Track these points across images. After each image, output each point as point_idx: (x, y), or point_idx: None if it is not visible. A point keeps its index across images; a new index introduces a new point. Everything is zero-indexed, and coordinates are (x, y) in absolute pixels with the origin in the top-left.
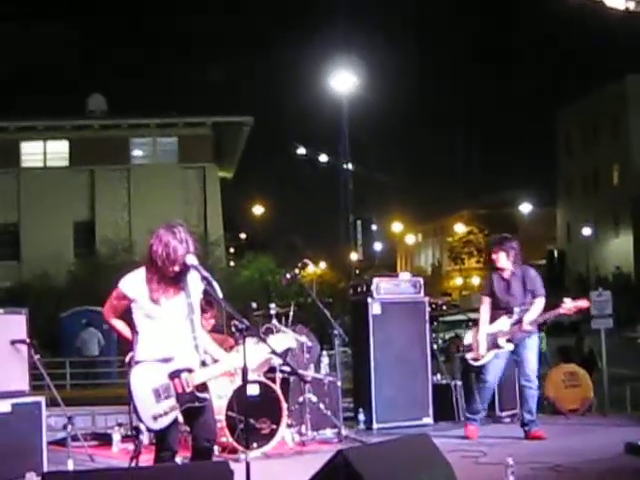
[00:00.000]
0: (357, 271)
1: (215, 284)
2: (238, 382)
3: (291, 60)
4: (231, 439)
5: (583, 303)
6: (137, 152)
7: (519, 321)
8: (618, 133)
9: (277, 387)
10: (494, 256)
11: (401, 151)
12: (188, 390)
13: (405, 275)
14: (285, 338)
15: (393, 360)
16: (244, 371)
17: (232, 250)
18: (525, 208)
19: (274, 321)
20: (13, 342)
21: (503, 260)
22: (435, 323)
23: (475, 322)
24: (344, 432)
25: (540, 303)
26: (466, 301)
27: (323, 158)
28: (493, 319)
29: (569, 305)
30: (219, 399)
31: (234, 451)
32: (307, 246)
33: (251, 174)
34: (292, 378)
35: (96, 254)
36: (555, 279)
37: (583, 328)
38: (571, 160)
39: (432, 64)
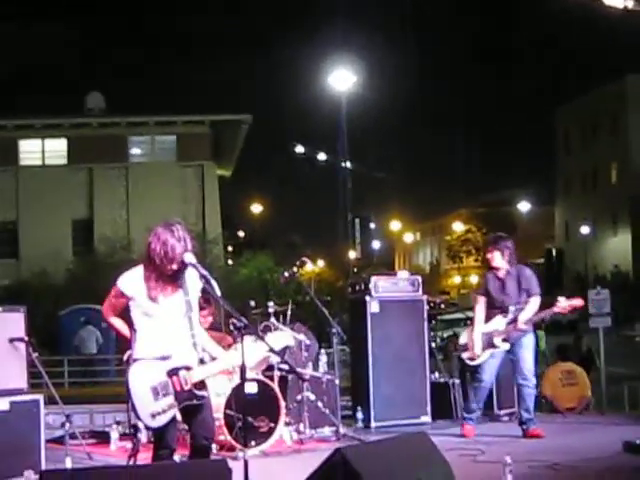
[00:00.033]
0: (355, 269)
1: (213, 282)
2: (236, 380)
3: (290, 59)
4: (229, 437)
5: (577, 302)
6: (135, 150)
7: (514, 320)
8: (617, 132)
9: (275, 385)
10: (489, 255)
11: (400, 150)
12: (186, 388)
13: (403, 273)
14: (283, 336)
15: (391, 358)
16: (242, 369)
17: (230, 248)
18: (523, 207)
19: (272, 319)
20: (11, 340)
21: (498, 259)
22: (433, 321)
23: (472, 321)
24: (342, 430)
25: (535, 302)
26: (464, 299)
27: (322, 157)
28: (488, 318)
29: (564, 304)
30: (217, 397)
31: (232, 449)
32: (305, 244)
33: (250, 172)
34: (290, 376)
35: (94, 252)
36: (553, 278)
37: (581, 327)
38: (570, 159)
39: (432, 64)
